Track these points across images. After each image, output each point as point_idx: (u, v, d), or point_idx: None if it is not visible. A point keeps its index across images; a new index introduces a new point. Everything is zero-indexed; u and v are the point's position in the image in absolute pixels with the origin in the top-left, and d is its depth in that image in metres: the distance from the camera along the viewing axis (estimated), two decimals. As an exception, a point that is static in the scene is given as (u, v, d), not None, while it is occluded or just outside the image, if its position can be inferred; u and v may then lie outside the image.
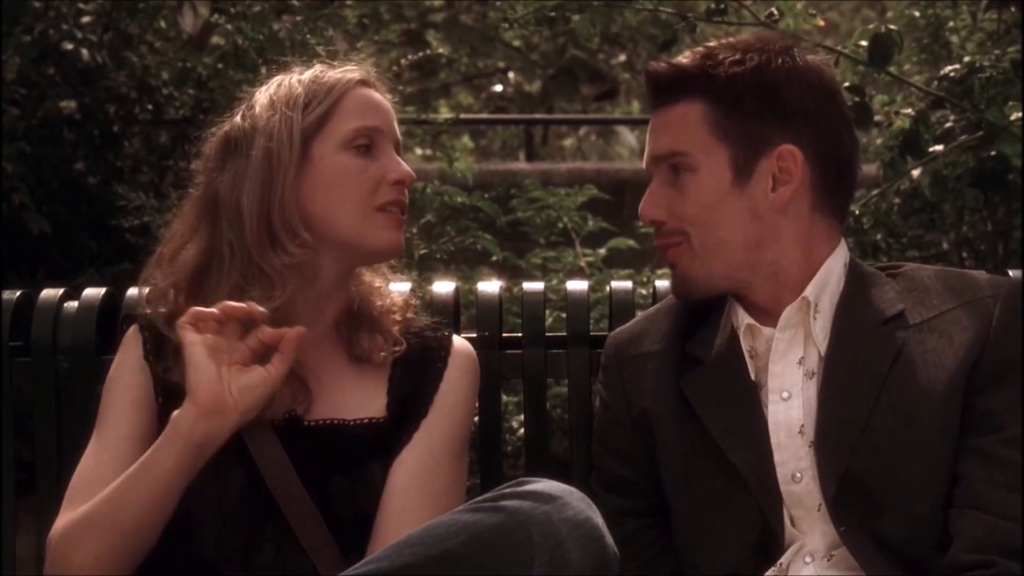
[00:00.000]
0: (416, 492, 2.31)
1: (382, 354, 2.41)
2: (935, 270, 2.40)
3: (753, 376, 2.33)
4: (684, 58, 2.37)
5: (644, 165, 2.43)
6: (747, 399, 2.32)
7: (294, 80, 2.42)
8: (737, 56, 2.33)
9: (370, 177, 2.38)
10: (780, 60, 2.34)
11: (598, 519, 2.05)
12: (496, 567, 1.97)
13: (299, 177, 2.35)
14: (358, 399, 2.39)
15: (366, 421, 2.37)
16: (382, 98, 2.46)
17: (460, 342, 2.49)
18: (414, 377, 2.42)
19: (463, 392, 2.45)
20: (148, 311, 2.44)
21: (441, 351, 2.45)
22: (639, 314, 2.58)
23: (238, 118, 2.42)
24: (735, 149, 2.32)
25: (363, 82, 2.44)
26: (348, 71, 2.44)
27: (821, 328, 2.32)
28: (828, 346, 2.30)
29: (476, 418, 2.53)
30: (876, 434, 2.24)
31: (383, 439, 2.36)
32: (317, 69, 2.44)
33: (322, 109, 2.38)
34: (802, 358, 2.32)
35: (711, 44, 2.39)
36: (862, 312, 2.32)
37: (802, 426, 2.28)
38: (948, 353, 2.27)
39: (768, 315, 2.35)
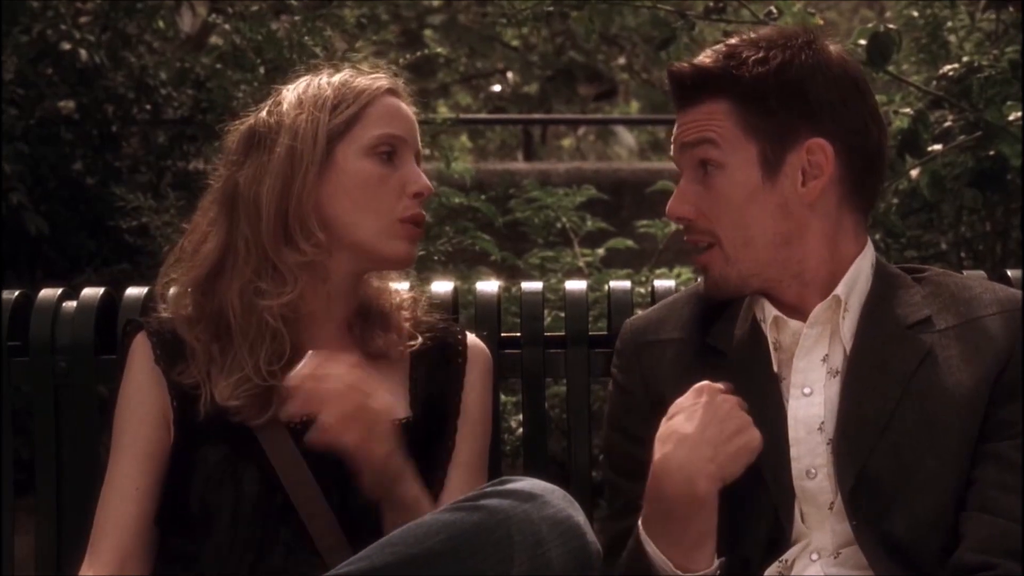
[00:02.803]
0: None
1: (399, 349, 2.43)
2: (959, 278, 2.40)
3: (776, 369, 2.33)
4: (707, 57, 2.35)
5: (672, 157, 2.41)
6: (769, 392, 2.31)
7: (323, 81, 2.42)
8: (760, 54, 2.32)
9: (391, 187, 2.39)
10: (804, 55, 2.32)
11: (580, 517, 2.06)
12: (476, 566, 1.98)
13: (321, 179, 2.36)
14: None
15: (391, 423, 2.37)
16: (408, 109, 2.47)
17: (475, 340, 2.51)
18: (437, 376, 2.44)
19: (486, 392, 2.48)
20: (166, 313, 2.45)
21: (459, 346, 2.47)
22: (644, 309, 2.57)
23: (263, 114, 2.42)
24: (763, 144, 2.31)
25: (391, 91, 2.45)
26: (377, 79, 2.45)
27: (849, 327, 2.31)
28: (854, 345, 2.30)
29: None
30: (896, 434, 2.24)
31: (408, 439, 2.35)
32: (347, 73, 2.45)
33: (350, 113, 2.39)
34: (827, 355, 2.31)
35: (732, 41, 2.37)
36: (889, 314, 2.32)
37: (822, 423, 2.28)
38: (974, 361, 2.27)
39: (795, 310, 2.34)
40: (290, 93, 2.42)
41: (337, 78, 2.43)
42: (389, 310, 2.47)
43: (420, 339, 2.45)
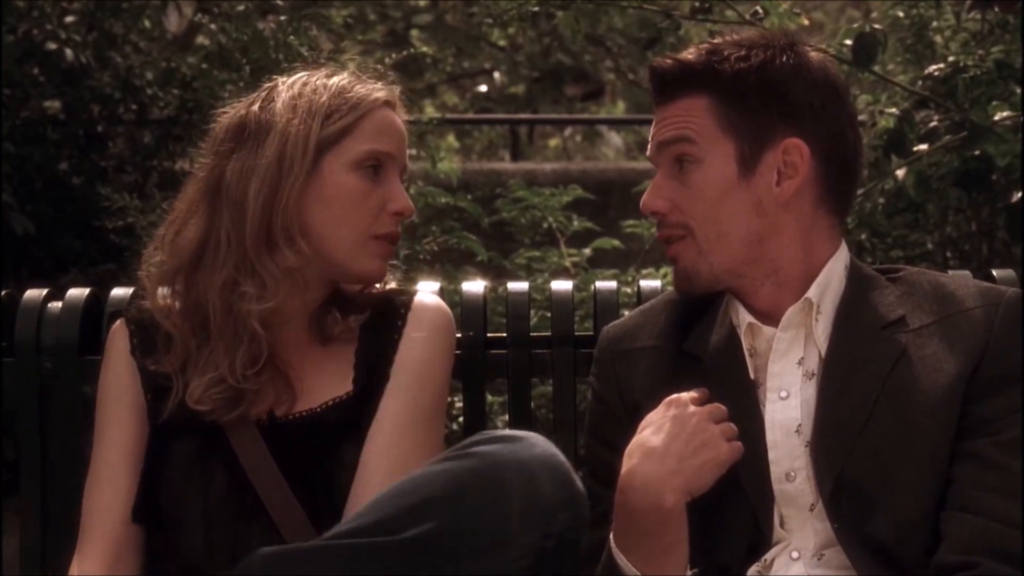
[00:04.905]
0: (383, 463, 2.30)
1: (349, 327, 2.39)
2: (934, 276, 2.41)
3: (752, 375, 2.33)
4: (689, 54, 2.37)
5: (648, 156, 2.42)
6: (745, 398, 2.31)
7: (320, 85, 2.39)
8: (742, 52, 2.34)
9: (373, 203, 2.37)
10: (785, 57, 2.34)
11: (563, 458, 2.09)
12: (476, 508, 2.01)
13: (305, 186, 2.34)
14: (326, 382, 2.38)
15: (332, 402, 2.36)
16: (400, 122, 2.45)
17: (425, 298, 2.45)
18: (379, 343, 2.40)
19: (427, 349, 2.40)
20: (144, 301, 2.44)
21: (402, 308, 2.42)
22: (631, 309, 2.57)
23: (256, 107, 2.39)
24: (740, 141, 2.32)
25: (387, 103, 2.42)
26: (376, 89, 2.42)
27: (823, 329, 2.32)
28: (829, 347, 2.30)
29: (461, 418, 2.53)
30: (873, 436, 2.24)
31: (351, 417, 2.35)
32: (345, 79, 2.41)
33: (342, 124, 2.36)
34: (802, 358, 2.32)
35: (715, 40, 2.40)
36: (863, 315, 2.33)
37: (799, 426, 2.28)
38: (948, 359, 2.27)
39: (769, 316, 2.34)
40: (285, 92, 2.39)
41: (335, 82, 2.40)
42: (352, 294, 2.45)
43: (368, 312, 2.42)
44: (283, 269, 2.33)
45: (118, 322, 2.45)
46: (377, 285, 2.48)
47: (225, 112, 2.43)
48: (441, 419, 2.43)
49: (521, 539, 2.01)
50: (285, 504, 2.29)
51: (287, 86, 2.40)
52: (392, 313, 2.42)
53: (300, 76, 2.42)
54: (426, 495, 2.02)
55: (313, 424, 2.35)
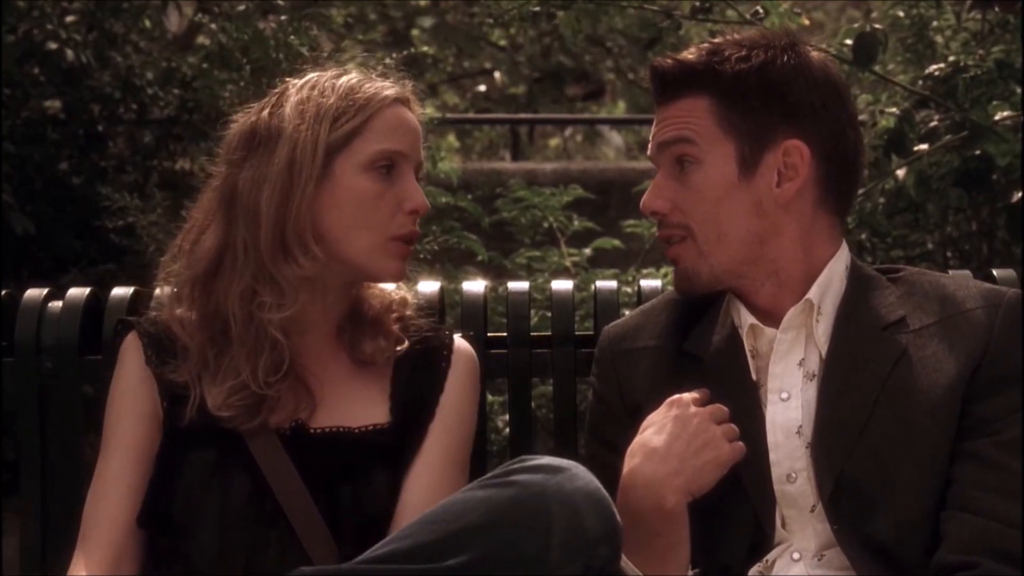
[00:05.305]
0: (431, 499, 2.26)
1: (386, 356, 2.41)
2: (935, 276, 2.41)
3: (754, 376, 2.33)
4: (689, 54, 2.37)
5: (649, 155, 2.42)
6: (746, 399, 2.31)
7: (328, 87, 2.38)
8: (743, 53, 2.34)
9: (387, 204, 2.36)
10: (785, 57, 2.34)
11: (605, 491, 2.07)
12: (516, 538, 2.00)
13: (317, 191, 2.33)
14: (362, 405, 2.39)
15: (371, 428, 2.37)
16: (413, 117, 2.43)
17: (462, 343, 2.48)
18: (417, 381, 2.42)
19: (467, 396, 2.45)
20: (158, 313, 2.44)
21: (444, 350, 2.45)
22: (631, 309, 2.57)
23: (265, 113, 2.38)
24: (741, 142, 2.32)
25: (398, 100, 2.41)
26: (384, 87, 2.40)
27: (823, 330, 2.32)
28: (829, 348, 2.31)
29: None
30: (873, 437, 2.24)
31: (388, 445, 2.35)
32: (354, 78, 2.40)
33: (351, 126, 2.35)
34: (803, 359, 2.32)
35: (716, 40, 2.40)
36: (864, 316, 2.33)
37: (800, 427, 2.28)
38: (948, 359, 2.27)
39: (770, 316, 2.34)
40: (293, 95, 2.37)
41: (343, 83, 2.38)
42: (379, 314, 2.45)
43: (407, 343, 2.43)
44: (300, 276, 2.33)
45: (131, 334, 2.44)
46: (389, 287, 2.49)
47: (237, 119, 2.43)
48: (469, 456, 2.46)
49: (563, 571, 2.00)
50: (305, 512, 2.28)
51: (296, 89, 2.39)
52: (433, 353, 2.45)
53: (309, 78, 2.41)
54: (467, 523, 2.00)
55: (348, 443, 2.35)
